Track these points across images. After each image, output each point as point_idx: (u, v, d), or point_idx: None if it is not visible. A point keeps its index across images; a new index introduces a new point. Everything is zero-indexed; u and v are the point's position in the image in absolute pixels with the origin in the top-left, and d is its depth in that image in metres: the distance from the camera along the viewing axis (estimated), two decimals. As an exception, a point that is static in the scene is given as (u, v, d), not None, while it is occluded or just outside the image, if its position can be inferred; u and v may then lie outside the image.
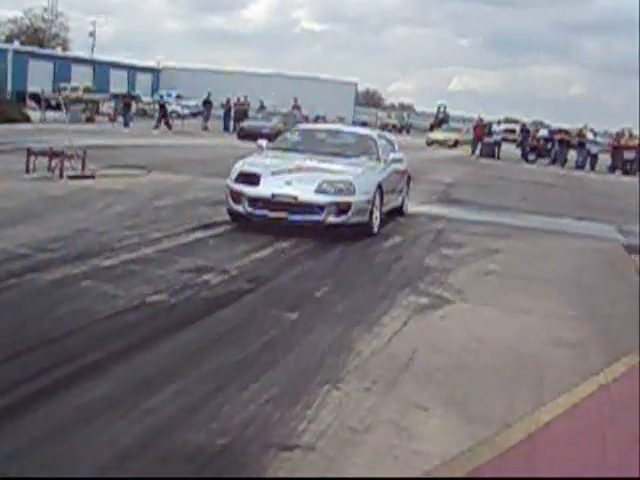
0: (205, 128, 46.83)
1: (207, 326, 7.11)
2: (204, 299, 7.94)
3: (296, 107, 51.03)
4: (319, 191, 11.73)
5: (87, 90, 60.11)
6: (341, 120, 66.80)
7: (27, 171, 16.57)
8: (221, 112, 50.62)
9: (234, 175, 12.37)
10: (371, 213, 12.16)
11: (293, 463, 4.49)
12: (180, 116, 51.04)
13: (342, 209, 11.71)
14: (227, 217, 12.49)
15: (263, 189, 11.89)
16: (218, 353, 6.32)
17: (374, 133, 15.58)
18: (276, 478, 4.30)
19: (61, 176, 16.29)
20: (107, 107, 51.82)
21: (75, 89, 59.04)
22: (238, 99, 50.78)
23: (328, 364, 6.21)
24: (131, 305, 7.47)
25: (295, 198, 11.70)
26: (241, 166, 12.55)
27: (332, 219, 11.71)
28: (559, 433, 5.31)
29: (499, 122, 52.29)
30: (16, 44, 71.86)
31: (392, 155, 14.12)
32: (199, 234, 11.43)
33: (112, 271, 8.80)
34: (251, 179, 12.10)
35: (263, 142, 14.33)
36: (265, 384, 5.65)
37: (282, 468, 4.43)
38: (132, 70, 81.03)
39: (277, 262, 10.05)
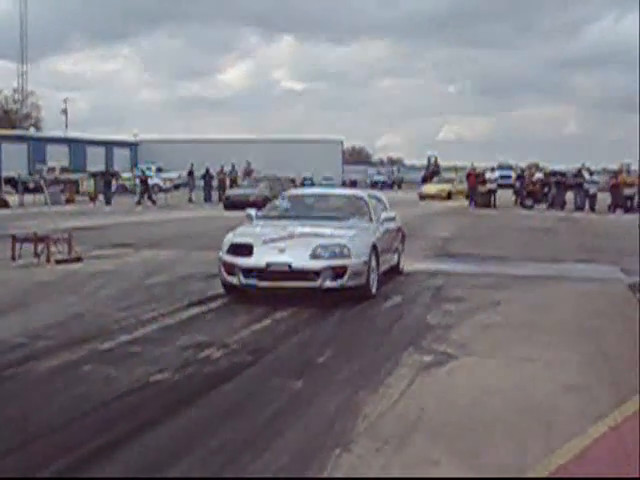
0: (190, 200, 47.39)
1: (212, 401, 7.41)
2: (207, 375, 8.25)
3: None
4: (314, 256, 12.08)
5: (64, 170, 60.82)
6: (328, 180, 67.52)
7: (13, 258, 16.92)
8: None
9: (226, 247, 12.72)
10: (368, 275, 12.47)
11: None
12: (162, 190, 51.48)
13: (338, 273, 12.04)
14: (222, 290, 12.81)
15: (257, 259, 12.22)
16: (225, 427, 6.61)
17: (364, 193, 15.96)
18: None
19: (48, 261, 16.64)
20: (86, 186, 52.42)
21: (52, 170, 59.74)
22: (221, 168, 51.36)
23: (337, 429, 6.51)
24: (134, 387, 7.77)
25: (289, 265, 12.03)
26: (232, 237, 12.91)
27: (328, 284, 12.03)
28: (573, 476, 5.61)
29: (493, 169, 52.97)
30: (-13, 129, 72.71)
31: (384, 214, 14.50)
32: (195, 310, 11.75)
33: (111, 354, 9.11)
34: (243, 250, 12.45)
35: (252, 211, 14.70)
36: (276, 452, 5.96)
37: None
38: (109, 146, 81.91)
39: (277, 332, 10.35)
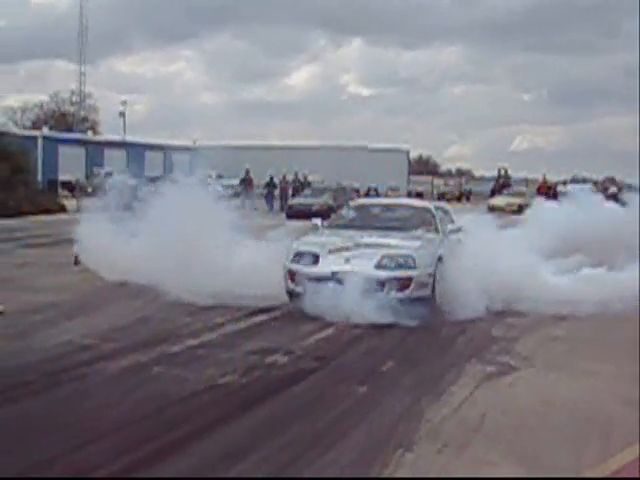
0: (242, 207, 47.88)
1: (280, 403, 8.06)
2: (273, 378, 8.90)
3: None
4: (379, 267, 12.63)
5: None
6: (394, 191, 67.90)
7: (75, 263, 17.67)
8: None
9: (291, 255, 13.36)
10: (433, 286, 12.99)
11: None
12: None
13: (404, 284, 12.58)
14: (285, 299, 13.40)
15: (322, 268, 12.83)
16: (293, 426, 7.24)
17: (431, 205, 16.46)
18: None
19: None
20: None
21: (109, 174, 60.80)
22: (284, 176, 52.05)
23: (399, 431, 7.11)
24: (204, 387, 8.45)
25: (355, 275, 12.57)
26: (298, 246, 13.55)
27: (394, 295, 12.55)
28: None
29: (565, 182, 53.05)
30: (45, 130, 74.00)
31: (450, 226, 14.99)
32: (261, 317, 12.42)
33: (180, 356, 9.82)
34: (309, 258, 13.08)
35: (318, 220, 15.31)
36: (342, 450, 6.58)
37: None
38: (168, 151, 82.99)
39: (341, 341, 10.97)
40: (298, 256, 13.25)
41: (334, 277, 12.59)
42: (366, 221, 14.97)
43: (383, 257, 12.75)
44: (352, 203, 17.25)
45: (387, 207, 16.45)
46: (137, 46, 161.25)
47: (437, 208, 16.10)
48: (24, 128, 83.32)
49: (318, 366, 9.49)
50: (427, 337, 11.39)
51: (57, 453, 6.47)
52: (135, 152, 77.73)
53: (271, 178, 50.98)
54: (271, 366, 9.43)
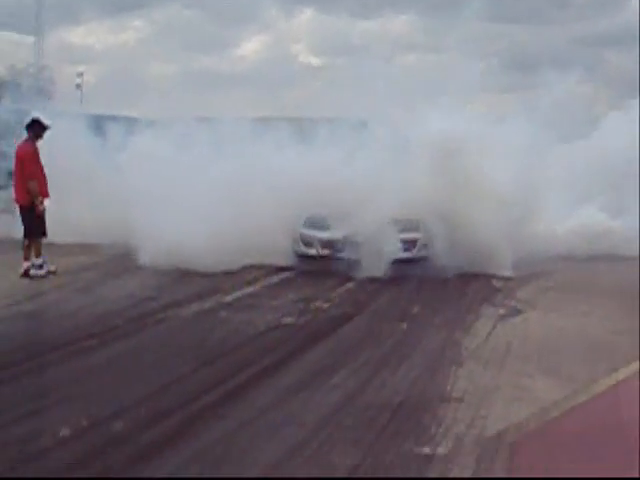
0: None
1: (340, 336, 9.83)
2: (325, 319, 10.65)
3: None
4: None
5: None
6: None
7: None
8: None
9: (302, 220, 14.80)
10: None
11: (453, 408, 7.08)
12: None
13: (410, 245, 14.23)
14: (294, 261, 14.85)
15: (334, 232, 14.42)
16: (361, 352, 8.97)
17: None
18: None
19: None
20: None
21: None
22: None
23: (447, 354, 8.89)
24: (272, 326, 10.16)
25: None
26: (309, 212, 14.92)
27: (400, 254, 14.10)
28: (634, 387, 7.93)
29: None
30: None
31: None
32: (285, 274, 14.10)
33: (236, 304, 11.50)
34: (321, 223, 14.66)
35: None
36: (409, 367, 8.35)
37: (447, 414, 6.96)
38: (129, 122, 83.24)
39: (366, 292, 12.70)
40: (310, 221, 14.73)
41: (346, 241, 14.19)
42: None
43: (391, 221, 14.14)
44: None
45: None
46: (86, 17, 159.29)
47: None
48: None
49: (357, 310, 11.23)
50: (438, 288, 13.12)
51: (170, 380, 7.87)
52: (96, 124, 78.06)
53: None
54: (318, 310, 11.14)
